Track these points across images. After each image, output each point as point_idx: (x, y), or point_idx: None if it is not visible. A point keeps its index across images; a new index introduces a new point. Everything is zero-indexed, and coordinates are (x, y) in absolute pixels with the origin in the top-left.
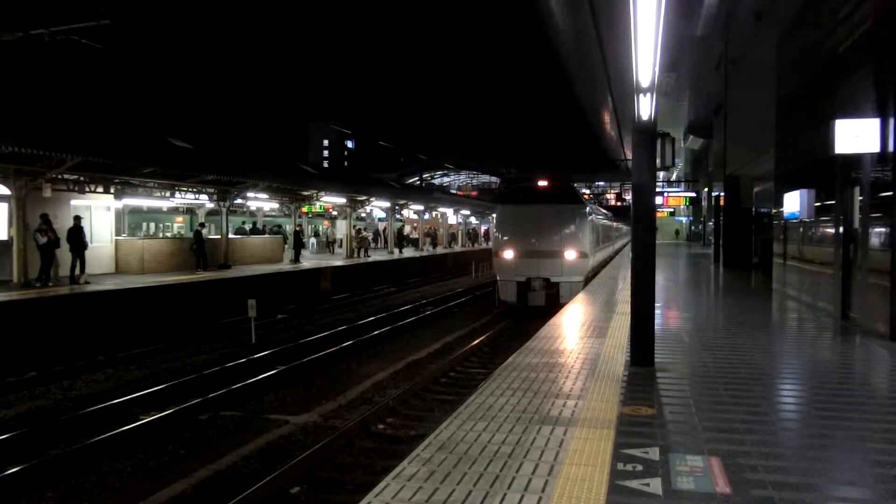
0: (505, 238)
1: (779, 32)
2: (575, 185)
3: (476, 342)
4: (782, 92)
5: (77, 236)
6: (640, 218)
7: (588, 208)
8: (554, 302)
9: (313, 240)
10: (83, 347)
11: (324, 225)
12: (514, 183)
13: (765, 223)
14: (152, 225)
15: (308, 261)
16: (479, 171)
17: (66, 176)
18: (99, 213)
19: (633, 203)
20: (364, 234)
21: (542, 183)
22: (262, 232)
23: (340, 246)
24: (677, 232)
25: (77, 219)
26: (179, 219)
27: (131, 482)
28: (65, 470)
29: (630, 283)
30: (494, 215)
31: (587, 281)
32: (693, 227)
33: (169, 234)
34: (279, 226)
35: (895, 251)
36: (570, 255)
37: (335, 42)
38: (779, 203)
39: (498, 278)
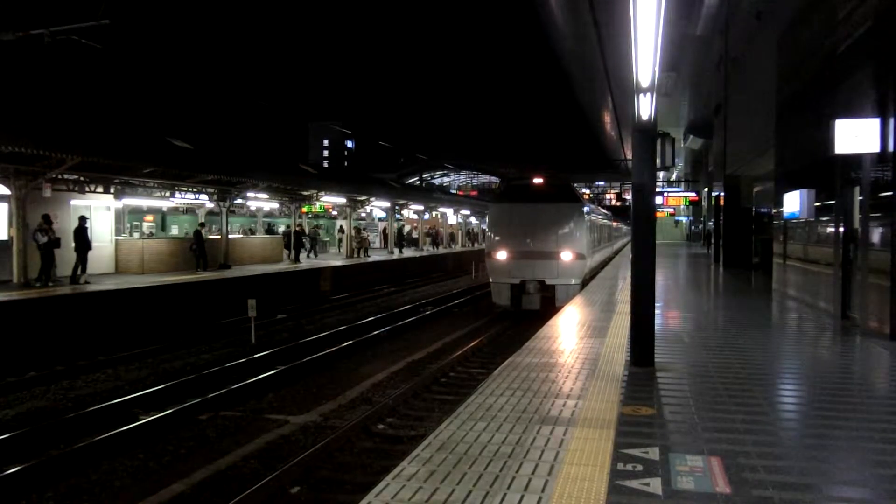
0: (498, 238)
1: (779, 32)
2: (573, 184)
3: (476, 342)
4: (782, 92)
5: (82, 236)
6: (640, 218)
7: (586, 207)
8: (549, 305)
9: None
10: (83, 347)
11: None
12: (510, 181)
13: (765, 223)
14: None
15: (308, 261)
16: (479, 171)
17: (66, 176)
18: (99, 213)
19: (633, 203)
20: (364, 233)
21: (538, 181)
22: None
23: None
24: (676, 223)
25: (82, 219)
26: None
27: (131, 482)
28: (65, 470)
29: (630, 283)
30: (488, 214)
31: (585, 283)
32: (693, 227)
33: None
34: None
35: (895, 251)
36: (567, 256)
37: (335, 42)
38: (779, 203)
39: (491, 280)
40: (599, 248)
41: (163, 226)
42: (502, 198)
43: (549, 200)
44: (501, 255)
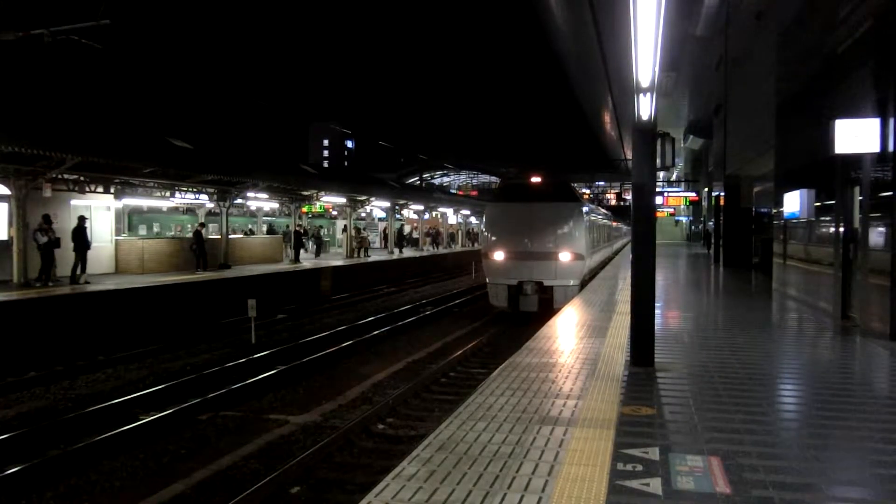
0: (495, 238)
1: (779, 32)
2: (573, 184)
3: (476, 342)
4: (782, 92)
5: (81, 236)
6: (640, 218)
7: (585, 207)
8: (547, 307)
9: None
10: (83, 347)
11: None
12: (507, 180)
13: (765, 223)
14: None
15: (308, 261)
16: (479, 171)
17: (66, 176)
18: (99, 213)
19: (633, 203)
20: (364, 233)
21: (535, 179)
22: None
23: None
24: (676, 223)
25: (82, 219)
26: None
27: (131, 482)
28: (65, 470)
29: (630, 283)
30: (484, 214)
31: (583, 284)
32: (693, 227)
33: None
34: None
35: (895, 251)
36: (565, 256)
37: (335, 42)
38: (779, 203)
39: (488, 281)
40: (599, 249)
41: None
42: (499, 197)
43: (547, 199)
44: (498, 255)
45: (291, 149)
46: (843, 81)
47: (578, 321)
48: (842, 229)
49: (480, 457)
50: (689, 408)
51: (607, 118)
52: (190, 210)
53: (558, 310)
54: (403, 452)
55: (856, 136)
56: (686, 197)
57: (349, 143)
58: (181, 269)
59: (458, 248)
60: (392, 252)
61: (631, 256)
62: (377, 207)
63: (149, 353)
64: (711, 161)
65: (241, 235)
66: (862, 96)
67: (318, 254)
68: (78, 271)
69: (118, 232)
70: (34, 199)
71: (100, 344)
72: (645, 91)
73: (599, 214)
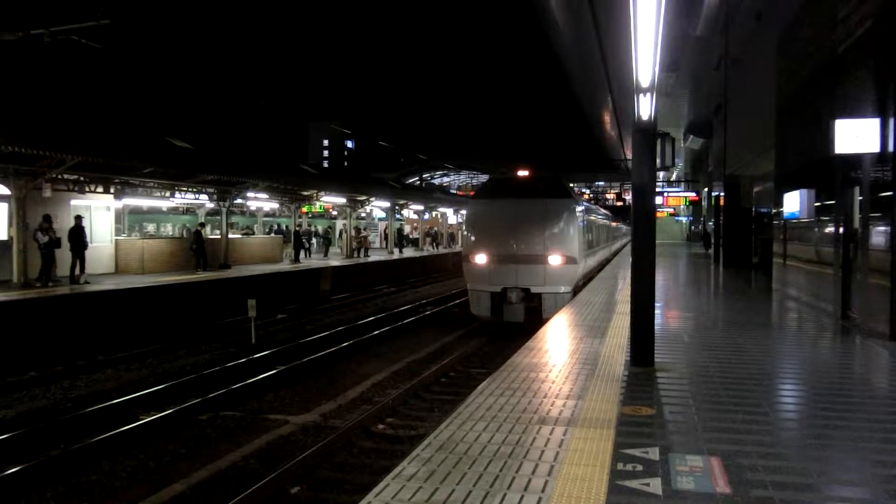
0: (476, 239)
1: (779, 32)
2: (573, 184)
3: (476, 342)
4: (782, 92)
5: (78, 236)
6: (640, 218)
7: (578, 204)
8: (535, 317)
9: (314, 240)
10: (83, 347)
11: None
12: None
13: (765, 223)
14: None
15: (308, 261)
16: (480, 170)
17: (66, 176)
18: (99, 213)
19: (633, 203)
20: (364, 233)
21: (523, 174)
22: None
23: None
24: (677, 222)
25: (78, 218)
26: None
27: (131, 482)
28: (65, 470)
29: (630, 283)
30: (466, 213)
31: (577, 291)
32: (693, 227)
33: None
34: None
35: (895, 251)
36: (555, 260)
37: (335, 42)
38: (779, 203)
39: (469, 288)
40: (594, 251)
41: None
42: (481, 194)
43: (535, 196)
44: (480, 258)
45: (291, 149)
46: (843, 81)
47: (578, 321)
48: (842, 229)
49: (480, 457)
50: (689, 408)
51: (607, 118)
52: (190, 210)
53: (547, 320)
54: (403, 452)
55: (856, 136)
56: (686, 197)
57: (349, 143)
58: (181, 269)
59: (457, 247)
60: (392, 252)
61: (631, 257)
62: (377, 207)
63: (149, 353)
64: (711, 161)
65: (240, 235)
66: (862, 96)
67: (326, 253)
68: (77, 271)
69: (118, 232)
70: (34, 199)
71: (100, 344)
72: (645, 91)
73: (595, 213)
